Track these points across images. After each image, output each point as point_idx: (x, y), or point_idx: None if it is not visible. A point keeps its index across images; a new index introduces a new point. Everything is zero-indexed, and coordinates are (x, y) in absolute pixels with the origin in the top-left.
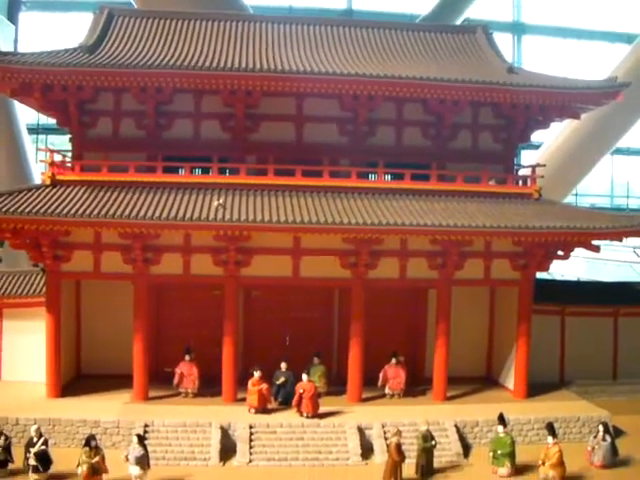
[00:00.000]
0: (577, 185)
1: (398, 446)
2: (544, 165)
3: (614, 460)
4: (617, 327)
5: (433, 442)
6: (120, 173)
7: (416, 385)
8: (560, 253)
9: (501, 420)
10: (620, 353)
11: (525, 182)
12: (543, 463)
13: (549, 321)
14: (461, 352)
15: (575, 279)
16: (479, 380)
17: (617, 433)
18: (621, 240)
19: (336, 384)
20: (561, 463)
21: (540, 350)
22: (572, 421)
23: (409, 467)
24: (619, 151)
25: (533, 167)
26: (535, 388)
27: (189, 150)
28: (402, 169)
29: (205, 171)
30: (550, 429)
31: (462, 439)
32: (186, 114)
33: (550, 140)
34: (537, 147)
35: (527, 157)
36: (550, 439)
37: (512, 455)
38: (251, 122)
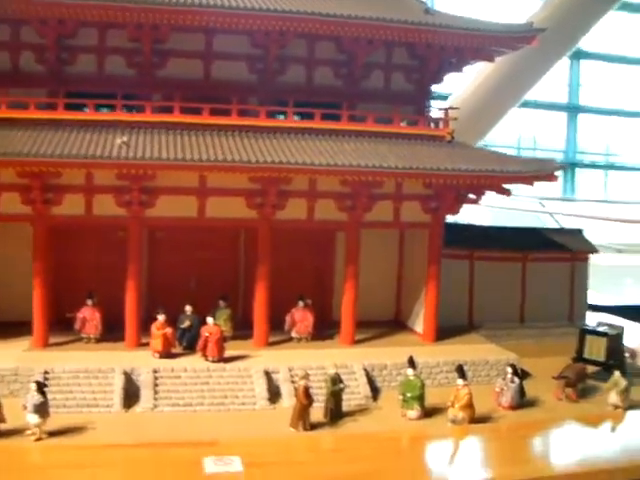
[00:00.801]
0: (486, 135)
1: (306, 389)
2: (457, 108)
3: (522, 401)
4: (525, 272)
5: (342, 385)
6: (20, 110)
7: (325, 329)
8: (471, 197)
9: (411, 363)
10: (528, 298)
11: (437, 124)
12: (453, 405)
13: (458, 265)
14: (370, 296)
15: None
16: (388, 324)
17: (524, 375)
18: (532, 184)
19: (243, 328)
20: (470, 405)
21: (449, 294)
22: (481, 364)
23: (317, 411)
24: (527, 104)
25: (446, 109)
26: (444, 332)
27: (93, 86)
28: (313, 109)
29: (110, 108)
30: (460, 371)
31: (371, 382)
32: (90, 49)
33: (460, 90)
34: (446, 98)
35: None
36: (460, 381)
37: (421, 398)
38: (158, 58)
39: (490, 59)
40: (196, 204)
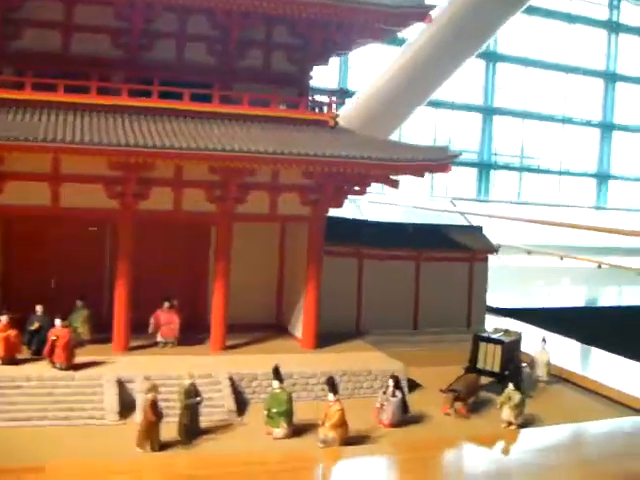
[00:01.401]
0: (392, 133)
1: (153, 404)
2: (345, 91)
3: (404, 417)
4: (419, 272)
5: (198, 398)
6: None
7: (196, 332)
8: (356, 188)
9: (276, 374)
10: (422, 300)
11: (321, 109)
12: (323, 423)
13: (345, 264)
14: (249, 297)
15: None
16: (268, 328)
17: (413, 386)
18: (422, 175)
19: (106, 330)
20: (342, 423)
21: (335, 296)
22: (363, 374)
23: (171, 427)
24: (442, 105)
25: (330, 92)
26: (328, 338)
27: None
28: (182, 88)
29: None
30: (330, 385)
31: (238, 394)
32: None
33: (365, 87)
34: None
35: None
36: (331, 396)
37: (289, 414)
38: (12, 28)
39: (379, 38)
40: (49, 191)
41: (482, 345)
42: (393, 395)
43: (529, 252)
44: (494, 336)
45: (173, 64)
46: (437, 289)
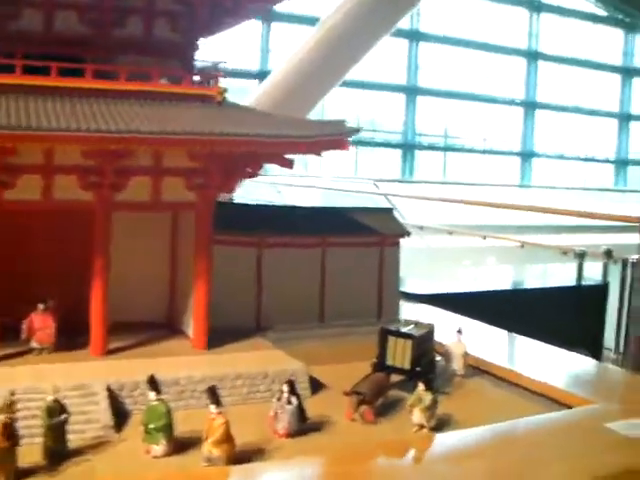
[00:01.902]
0: (308, 113)
1: (5, 427)
2: (225, 62)
3: (302, 426)
4: (324, 260)
5: (63, 416)
6: None
7: (79, 335)
8: (248, 170)
9: (152, 384)
10: (328, 291)
11: (208, 83)
12: (206, 439)
13: (243, 254)
14: (136, 292)
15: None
16: (160, 327)
17: (317, 387)
18: (319, 153)
19: None
20: (227, 439)
21: (233, 290)
22: (259, 377)
23: (35, 449)
24: (365, 85)
25: (215, 64)
26: (224, 336)
27: None
28: (49, 62)
29: None
30: (211, 395)
31: (118, 406)
32: None
33: (280, 65)
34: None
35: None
36: (212, 408)
37: (168, 428)
38: None
39: (272, 2)
40: None
41: (390, 339)
42: (288, 402)
43: (450, 233)
44: (403, 329)
45: (40, 35)
46: (344, 278)
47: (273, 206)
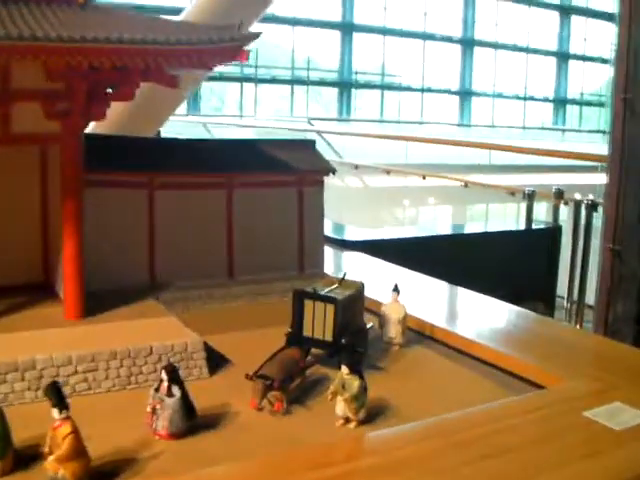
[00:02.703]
0: None
1: None
2: None
3: (188, 424)
4: (232, 204)
5: None
6: None
7: None
8: (119, 90)
9: None
10: (238, 240)
11: None
12: (50, 453)
13: (131, 198)
14: (6, 249)
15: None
16: (35, 289)
17: (218, 364)
18: (209, 67)
19: None
20: (76, 454)
21: (118, 242)
22: (141, 354)
23: None
24: (299, 22)
25: None
26: (107, 299)
27: None
28: None
29: None
30: (53, 394)
31: None
32: None
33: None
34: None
35: None
36: (55, 413)
37: (3, 439)
38: None
39: None
40: None
41: (307, 304)
42: (169, 393)
43: (388, 172)
44: (323, 291)
45: None
46: (257, 224)
47: (166, 139)
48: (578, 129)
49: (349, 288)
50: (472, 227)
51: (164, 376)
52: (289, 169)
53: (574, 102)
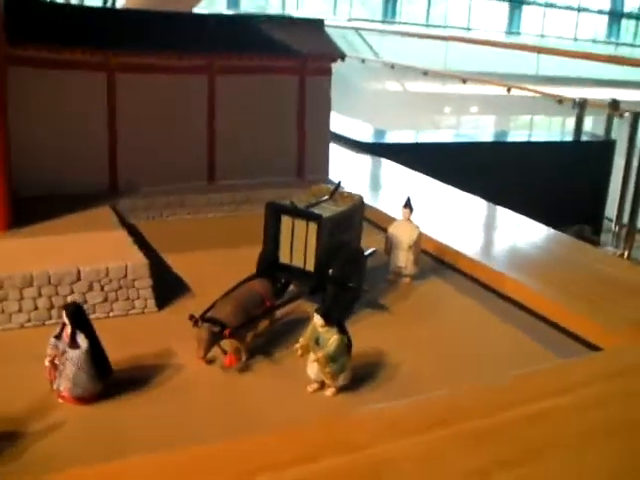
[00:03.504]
0: None
1: None
2: None
3: (100, 384)
4: (214, 94)
5: None
6: None
7: None
8: None
9: None
10: (221, 137)
11: None
12: None
13: (84, 82)
14: None
15: None
16: None
17: (175, 292)
18: None
19: None
20: None
21: (69, 136)
22: (66, 282)
23: None
24: None
25: None
26: (51, 207)
27: None
28: None
29: None
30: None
31: None
32: None
33: None
34: None
35: None
36: None
37: None
38: None
39: None
40: None
41: (285, 222)
42: (72, 344)
43: (425, 72)
44: (306, 204)
45: None
46: (245, 118)
47: (131, 10)
48: (632, 44)
49: (343, 202)
50: (513, 136)
51: (66, 319)
52: (289, 52)
53: (630, 16)
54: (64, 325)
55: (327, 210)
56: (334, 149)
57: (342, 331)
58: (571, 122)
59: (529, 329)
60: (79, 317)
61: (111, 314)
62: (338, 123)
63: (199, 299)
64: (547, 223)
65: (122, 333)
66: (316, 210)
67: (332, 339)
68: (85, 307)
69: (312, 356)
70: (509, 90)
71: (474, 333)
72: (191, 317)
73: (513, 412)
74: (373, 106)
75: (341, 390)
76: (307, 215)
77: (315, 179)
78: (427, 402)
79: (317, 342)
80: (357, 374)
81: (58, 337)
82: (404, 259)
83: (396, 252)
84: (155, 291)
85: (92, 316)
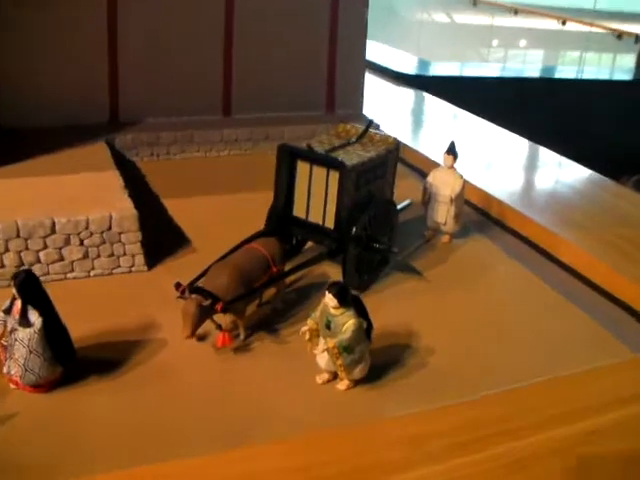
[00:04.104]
0: None
1: None
2: None
3: (56, 372)
4: (232, 8)
5: None
6: None
7: None
8: None
9: None
10: (239, 63)
11: None
12: None
13: None
14: None
15: None
16: None
17: (173, 245)
18: None
19: None
20: None
21: (55, 59)
22: (38, 234)
23: None
24: None
25: None
26: (38, 142)
27: None
28: None
29: None
30: None
31: None
32: None
33: None
34: None
35: None
36: None
37: None
38: None
39: None
40: None
41: (302, 169)
42: (23, 321)
43: (474, 3)
44: (327, 149)
45: None
46: (269, 38)
47: None
48: None
49: (374, 146)
50: (567, 72)
51: (15, 291)
52: None
53: None
54: (14, 298)
55: (353, 156)
56: (372, 81)
57: (360, 313)
58: (630, 60)
59: (590, 306)
60: (31, 288)
61: (92, 273)
62: (379, 53)
63: (200, 256)
64: (604, 172)
65: (101, 298)
66: (340, 155)
67: (347, 324)
68: (61, 264)
69: (322, 343)
70: (564, 23)
71: (522, 308)
72: (177, 285)
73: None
74: (418, 37)
75: (357, 383)
76: (328, 162)
77: (346, 114)
78: (457, 410)
79: (328, 327)
80: (378, 360)
81: (7, 311)
82: (444, 214)
83: (435, 205)
84: (145, 246)
85: (70, 275)
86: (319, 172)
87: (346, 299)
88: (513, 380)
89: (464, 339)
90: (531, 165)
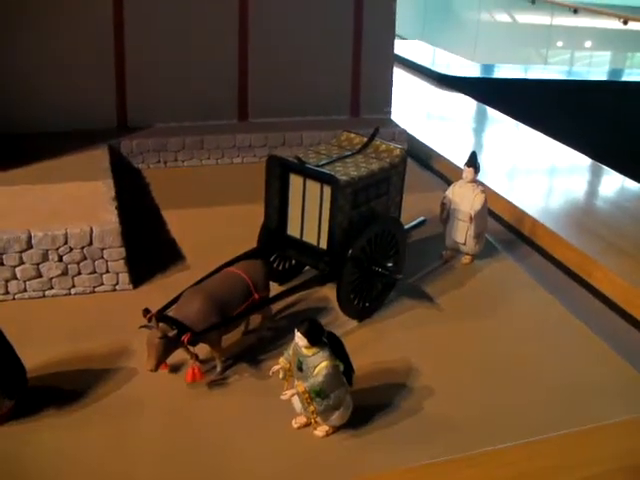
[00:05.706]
0: None
1: None
2: None
3: (2, 405)
4: (247, 10)
5: None
6: None
7: None
8: None
9: None
10: (254, 62)
11: None
12: None
13: None
14: None
15: None
16: None
17: (164, 262)
18: None
19: None
20: None
21: (64, 63)
22: (13, 249)
23: None
24: None
25: None
26: (51, 143)
27: None
28: None
29: None
30: None
31: None
32: None
33: None
34: None
35: None
36: None
37: None
38: None
39: None
40: None
41: (295, 183)
42: None
43: (533, 1)
44: (323, 161)
45: None
46: (288, 36)
47: None
48: None
49: (378, 158)
50: (628, 76)
51: None
52: None
53: None
54: None
55: (352, 169)
56: (413, 82)
57: (337, 354)
58: None
59: (626, 344)
60: None
61: (73, 291)
62: (429, 55)
63: (192, 273)
64: None
65: (76, 319)
66: (337, 168)
67: (319, 367)
68: (39, 281)
69: (295, 383)
70: (625, 22)
71: (546, 345)
72: (145, 312)
73: None
74: (478, 38)
75: (339, 429)
76: (319, 176)
77: (373, 119)
78: (457, 467)
79: (300, 368)
80: (366, 401)
81: None
82: (463, 233)
83: (454, 223)
84: (130, 264)
85: (49, 292)
86: (312, 187)
87: (318, 338)
88: (529, 432)
89: (471, 379)
90: (575, 178)
